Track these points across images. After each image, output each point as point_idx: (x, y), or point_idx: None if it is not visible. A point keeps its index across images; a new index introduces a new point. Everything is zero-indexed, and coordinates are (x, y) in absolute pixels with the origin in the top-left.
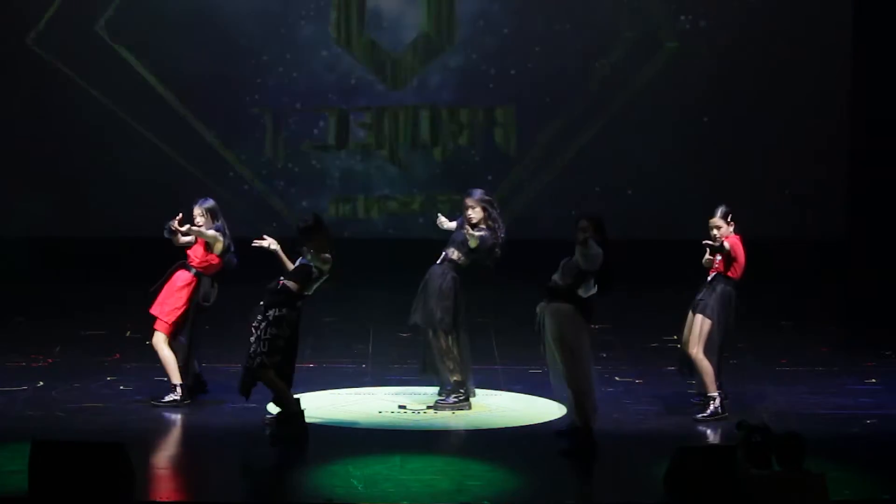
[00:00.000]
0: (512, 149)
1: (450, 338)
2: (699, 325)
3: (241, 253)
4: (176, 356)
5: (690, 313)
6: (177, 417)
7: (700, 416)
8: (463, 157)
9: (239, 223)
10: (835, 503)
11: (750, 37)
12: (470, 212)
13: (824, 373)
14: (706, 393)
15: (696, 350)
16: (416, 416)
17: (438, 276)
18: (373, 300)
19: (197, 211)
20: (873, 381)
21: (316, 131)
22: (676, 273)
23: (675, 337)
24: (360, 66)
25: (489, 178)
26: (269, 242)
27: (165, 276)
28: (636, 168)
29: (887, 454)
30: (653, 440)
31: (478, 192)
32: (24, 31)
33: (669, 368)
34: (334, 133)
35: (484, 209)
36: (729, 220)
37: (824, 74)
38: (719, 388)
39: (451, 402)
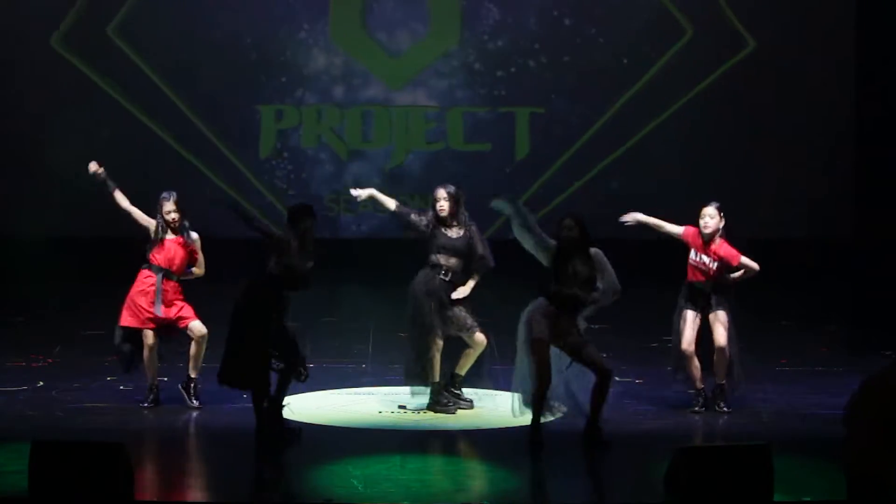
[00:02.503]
0: (515, 149)
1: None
2: (724, 318)
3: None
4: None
5: (685, 312)
6: (177, 417)
7: (726, 408)
8: (464, 156)
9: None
10: (835, 503)
11: (757, 36)
12: (442, 203)
13: (824, 373)
14: (721, 382)
15: (729, 345)
16: (416, 416)
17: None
18: (373, 300)
19: (172, 206)
20: None
21: (318, 132)
22: (677, 273)
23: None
24: (360, 66)
25: (490, 177)
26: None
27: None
28: (637, 168)
29: None
30: (653, 440)
31: (449, 186)
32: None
33: (669, 368)
34: (335, 133)
35: (454, 202)
36: (721, 215)
37: (830, 72)
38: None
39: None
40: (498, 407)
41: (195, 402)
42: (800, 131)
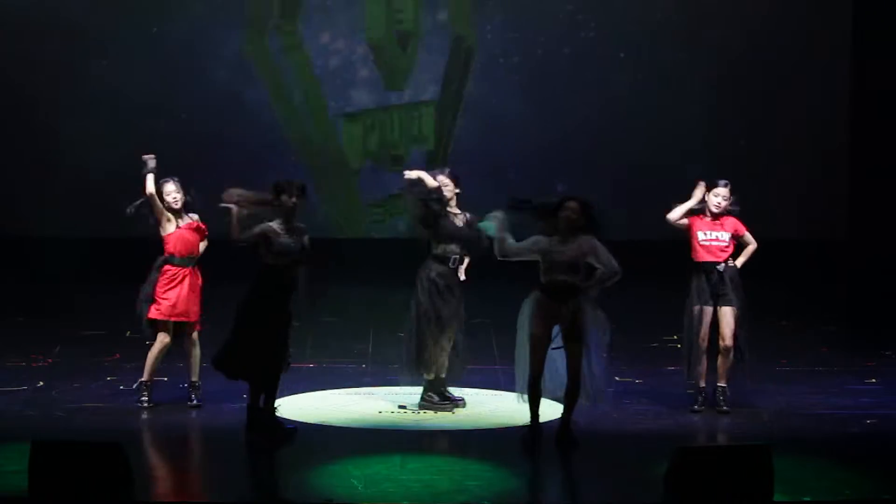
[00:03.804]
0: (512, 147)
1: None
2: (732, 317)
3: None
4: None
5: (702, 308)
6: (176, 417)
7: (726, 408)
8: (465, 155)
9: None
10: (835, 503)
11: (754, 37)
12: (447, 192)
13: (824, 373)
14: (723, 384)
15: (732, 342)
16: (416, 416)
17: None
18: (373, 300)
19: (175, 187)
20: (873, 381)
21: (319, 131)
22: (676, 273)
23: (676, 337)
24: (361, 66)
25: (490, 176)
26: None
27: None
28: (637, 168)
29: (887, 454)
30: (653, 440)
31: (446, 169)
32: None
33: (669, 368)
34: (336, 132)
35: (455, 185)
36: (731, 195)
37: (826, 74)
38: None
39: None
40: (498, 407)
41: (194, 401)
42: (797, 133)
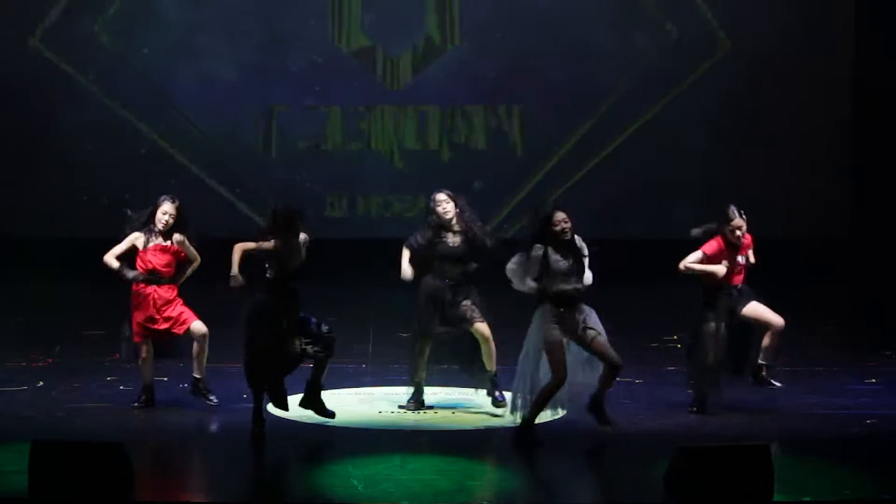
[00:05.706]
0: (517, 149)
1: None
2: (762, 306)
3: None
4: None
5: (722, 328)
6: (176, 417)
7: (778, 383)
8: (465, 156)
9: (236, 221)
10: (835, 503)
11: (754, 37)
12: (444, 206)
13: (824, 373)
14: (764, 362)
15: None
16: (416, 416)
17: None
18: (373, 300)
19: (170, 209)
20: (873, 381)
21: (318, 131)
22: (675, 273)
23: (675, 336)
24: (362, 65)
25: (491, 178)
26: None
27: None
28: (636, 168)
29: (887, 454)
30: (653, 440)
31: (445, 190)
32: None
33: (669, 368)
34: (336, 132)
35: (454, 204)
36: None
37: (826, 72)
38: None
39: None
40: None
41: (213, 399)
42: (796, 131)
